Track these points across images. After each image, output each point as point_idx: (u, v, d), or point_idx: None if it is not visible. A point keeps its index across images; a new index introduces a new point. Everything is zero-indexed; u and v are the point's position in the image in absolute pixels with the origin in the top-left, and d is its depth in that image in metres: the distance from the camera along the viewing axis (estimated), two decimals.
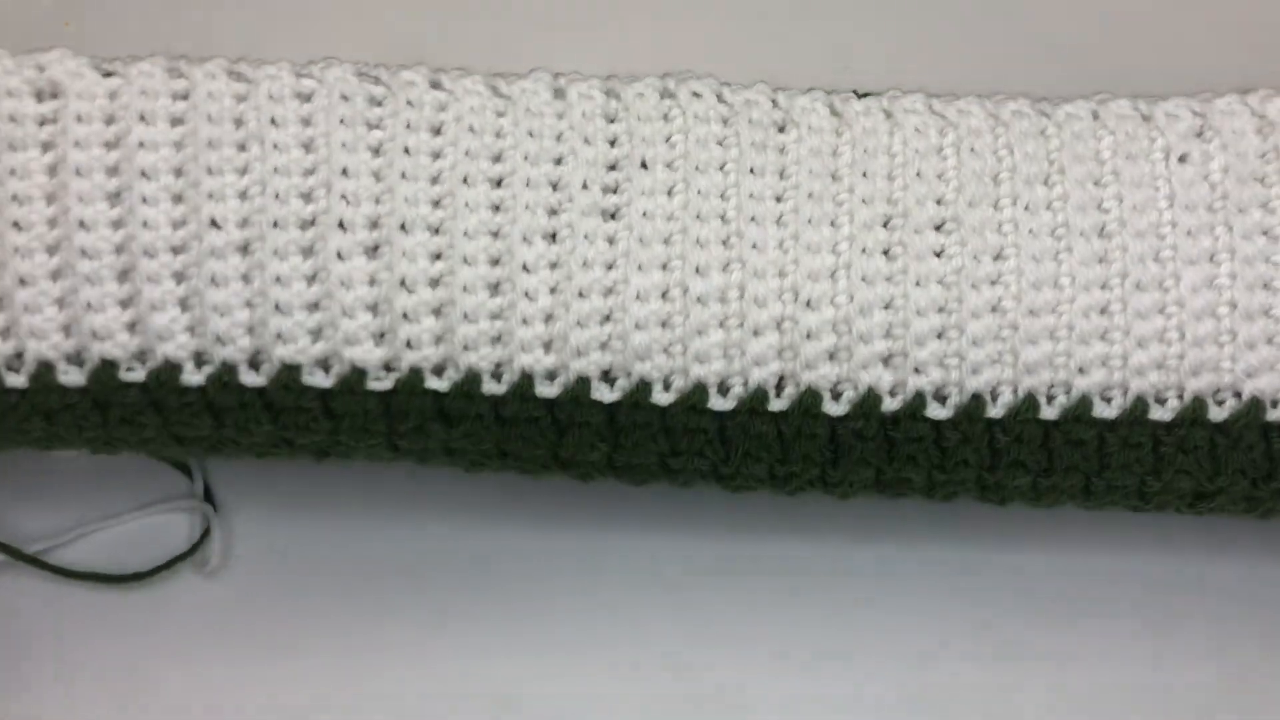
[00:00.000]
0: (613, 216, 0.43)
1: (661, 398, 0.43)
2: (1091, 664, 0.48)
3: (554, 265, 0.43)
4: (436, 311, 0.43)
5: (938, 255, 0.43)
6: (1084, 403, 0.43)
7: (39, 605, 0.49)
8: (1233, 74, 0.49)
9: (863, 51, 0.53)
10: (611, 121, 0.44)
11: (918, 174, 0.44)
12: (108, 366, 0.42)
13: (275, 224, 0.42)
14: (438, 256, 0.43)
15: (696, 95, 0.44)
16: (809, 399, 0.43)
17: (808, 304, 0.43)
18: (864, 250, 0.43)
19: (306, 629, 0.49)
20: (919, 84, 0.49)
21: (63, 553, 0.49)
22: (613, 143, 0.44)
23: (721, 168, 0.44)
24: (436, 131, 0.43)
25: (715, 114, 0.44)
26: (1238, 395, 0.43)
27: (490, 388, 0.43)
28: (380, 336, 0.43)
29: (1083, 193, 0.44)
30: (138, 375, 0.42)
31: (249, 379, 0.42)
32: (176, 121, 0.43)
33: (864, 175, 0.44)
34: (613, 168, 0.44)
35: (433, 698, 0.48)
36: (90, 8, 0.55)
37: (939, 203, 0.44)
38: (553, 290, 0.43)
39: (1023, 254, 0.43)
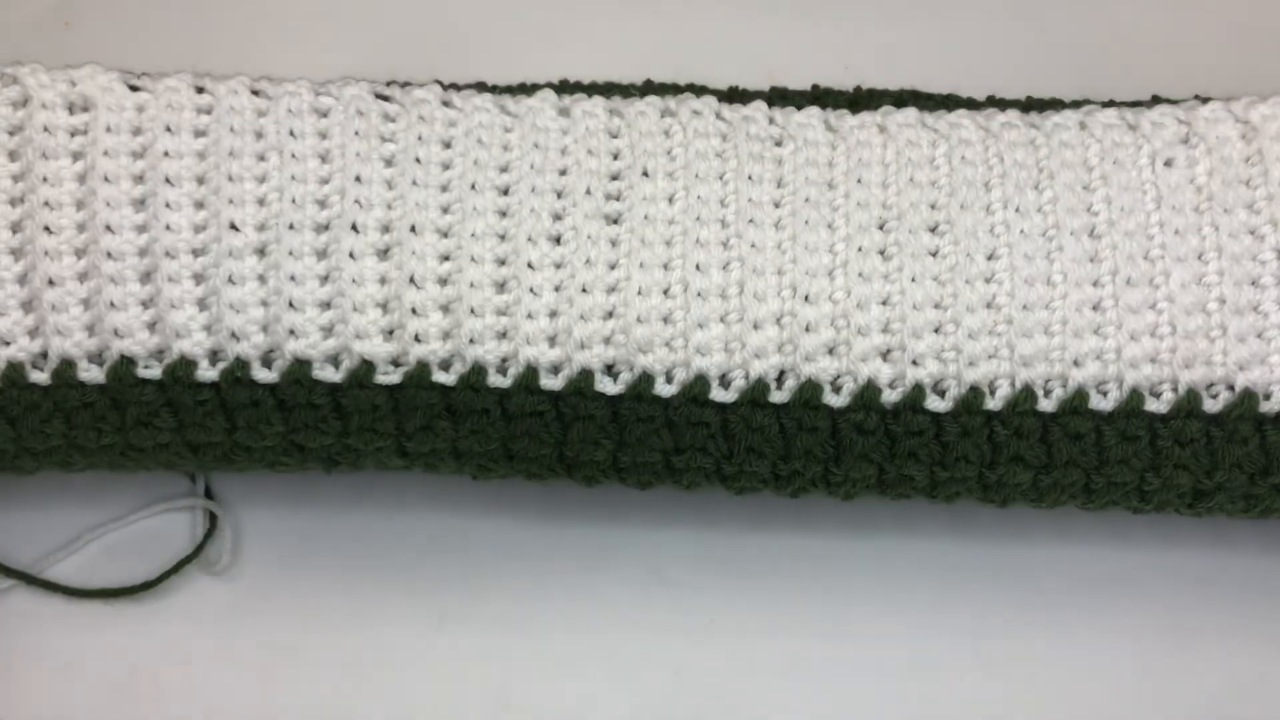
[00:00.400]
0: (615, 221, 0.44)
1: (664, 390, 0.43)
2: (1094, 664, 0.48)
3: (558, 265, 0.44)
4: (444, 308, 0.44)
5: (932, 255, 0.44)
6: (1080, 395, 0.43)
7: (43, 607, 0.49)
8: (1232, 72, 0.50)
9: (863, 51, 0.54)
10: (614, 137, 0.46)
11: (911, 180, 0.45)
12: (126, 363, 0.43)
13: (291, 227, 0.44)
14: (446, 257, 0.44)
15: (696, 113, 0.46)
16: (809, 391, 0.43)
17: (806, 299, 0.44)
18: (860, 250, 0.44)
19: (309, 627, 0.48)
20: (919, 83, 0.50)
21: (70, 559, 0.49)
22: (615, 155, 0.45)
23: (721, 177, 0.45)
24: (447, 145, 0.45)
25: (714, 129, 0.45)
26: (1230, 388, 0.43)
27: (496, 381, 0.43)
28: (389, 333, 0.43)
29: (1072, 196, 0.45)
30: (154, 372, 0.43)
31: (262, 375, 0.43)
32: (200, 133, 0.45)
33: (859, 182, 0.45)
34: (615, 177, 0.45)
35: (434, 695, 0.47)
36: (90, 8, 0.55)
37: (932, 207, 0.45)
38: (557, 288, 0.44)
39: (1015, 253, 0.44)
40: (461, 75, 0.50)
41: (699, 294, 0.44)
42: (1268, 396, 0.43)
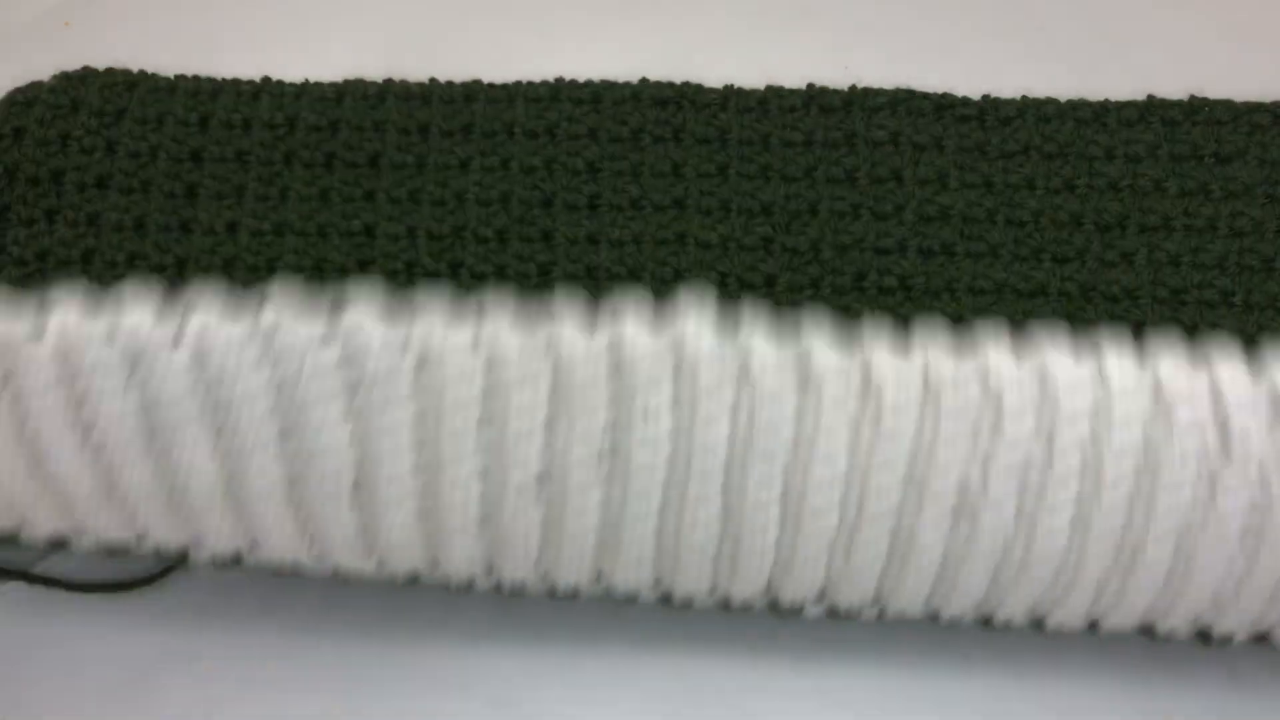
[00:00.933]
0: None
1: None
2: None
3: None
4: None
5: None
6: None
7: (42, 604, 0.48)
8: (1232, 72, 0.49)
9: (860, 50, 0.53)
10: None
11: None
12: None
13: None
14: None
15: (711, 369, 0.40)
16: None
17: None
18: None
19: (310, 625, 0.48)
20: (915, 82, 0.49)
21: (70, 556, 0.47)
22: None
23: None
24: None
25: (728, 374, 0.40)
26: None
27: None
28: None
29: None
30: None
31: None
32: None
33: None
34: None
35: (435, 697, 0.47)
36: (90, 8, 0.54)
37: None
38: None
39: None
40: (459, 73, 0.50)
41: None
42: None
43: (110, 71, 0.49)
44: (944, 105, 0.48)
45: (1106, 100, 0.48)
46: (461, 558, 0.41)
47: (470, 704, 0.47)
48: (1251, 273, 0.44)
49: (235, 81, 0.49)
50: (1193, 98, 0.47)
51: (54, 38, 0.53)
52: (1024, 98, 0.48)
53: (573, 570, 0.41)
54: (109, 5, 0.54)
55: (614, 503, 0.40)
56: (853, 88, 0.48)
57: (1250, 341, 0.41)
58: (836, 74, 0.49)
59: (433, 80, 0.49)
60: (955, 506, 0.40)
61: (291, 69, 0.50)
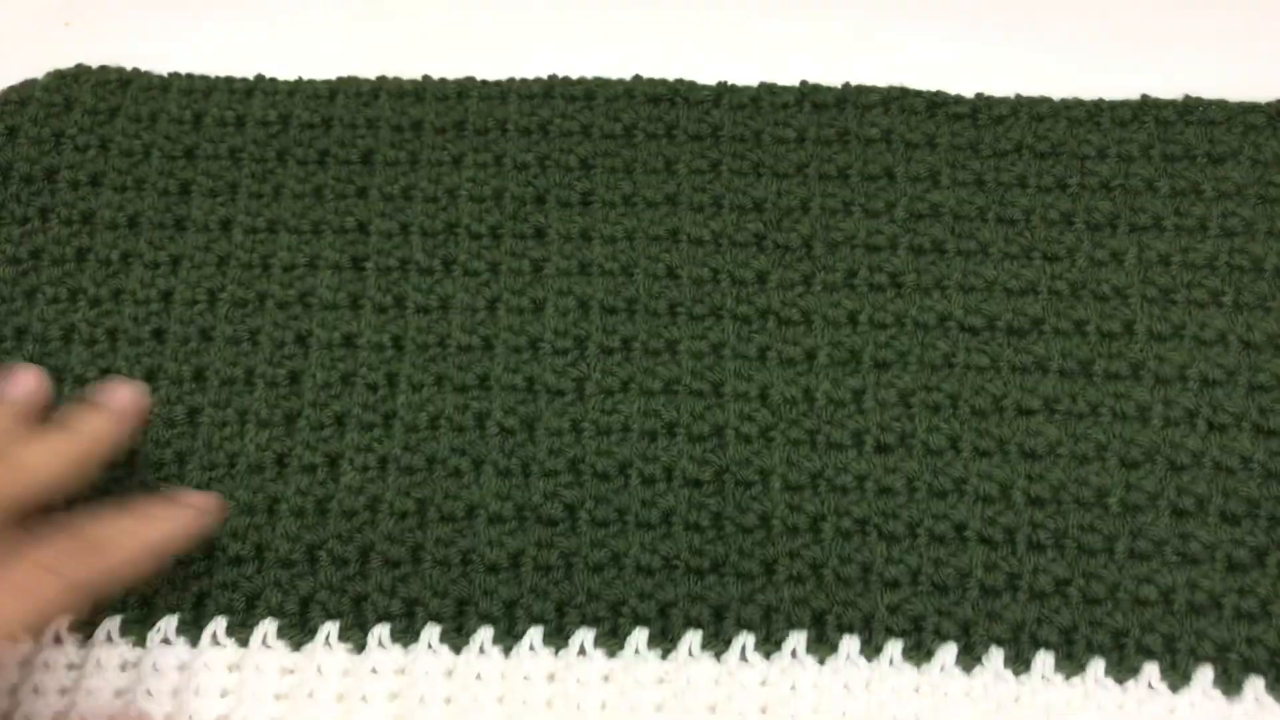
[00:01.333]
0: None
1: None
2: None
3: None
4: None
5: None
6: None
7: None
8: (1228, 72, 0.48)
9: (854, 48, 0.53)
10: None
11: None
12: None
13: None
14: None
15: None
16: None
17: None
18: None
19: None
20: (909, 80, 0.48)
21: None
22: None
23: None
24: None
25: None
26: None
27: None
28: None
29: None
30: None
31: None
32: None
33: None
34: None
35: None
36: (90, 8, 0.53)
37: None
38: None
39: None
40: (454, 71, 0.49)
41: None
42: None
43: (104, 69, 0.49)
44: (936, 103, 0.48)
45: (1100, 100, 0.47)
46: None
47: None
48: (1241, 273, 0.44)
49: (228, 79, 0.49)
50: (1187, 98, 0.47)
51: (54, 38, 0.53)
52: (1018, 96, 0.48)
53: None
54: (109, 5, 0.54)
55: None
56: (846, 85, 0.48)
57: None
58: (829, 70, 0.49)
59: (425, 77, 0.49)
60: None
61: (289, 68, 0.50)
